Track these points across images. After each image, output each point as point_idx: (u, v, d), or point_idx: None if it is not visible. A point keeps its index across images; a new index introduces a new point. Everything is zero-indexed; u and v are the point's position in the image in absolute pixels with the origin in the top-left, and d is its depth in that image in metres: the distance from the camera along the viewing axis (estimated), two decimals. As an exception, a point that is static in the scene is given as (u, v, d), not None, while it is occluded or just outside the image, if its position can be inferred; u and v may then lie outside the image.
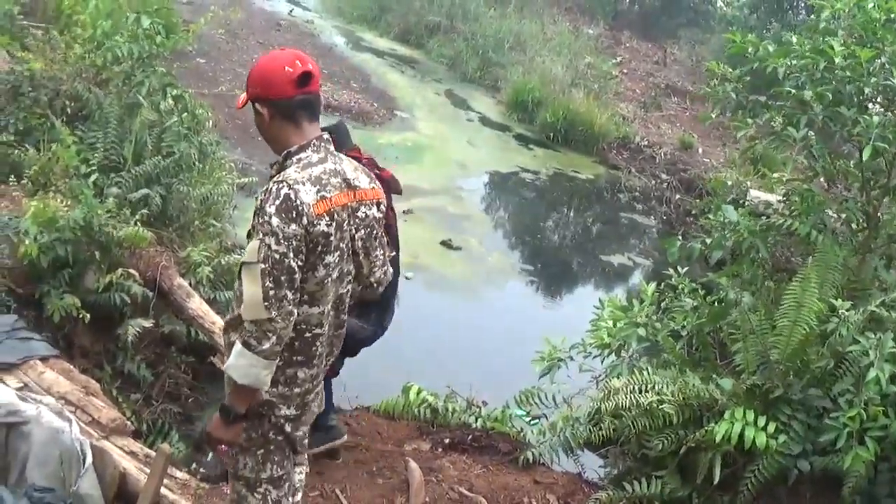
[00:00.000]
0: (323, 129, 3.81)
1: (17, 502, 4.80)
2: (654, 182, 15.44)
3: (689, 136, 17.35)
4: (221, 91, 11.71)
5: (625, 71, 20.88)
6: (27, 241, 5.88)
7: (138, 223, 6.75)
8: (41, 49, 8.20)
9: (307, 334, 3.26)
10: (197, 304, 6.71)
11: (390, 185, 4.76)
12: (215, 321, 6.61)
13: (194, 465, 5.95)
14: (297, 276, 3.01)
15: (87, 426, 5.27)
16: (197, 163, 8.22)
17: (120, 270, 6.36)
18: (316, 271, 3.11)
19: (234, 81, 12.97)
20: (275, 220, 2.94)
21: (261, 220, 2.97)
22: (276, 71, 3.07)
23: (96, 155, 7.52)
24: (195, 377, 6.90)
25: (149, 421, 6.32)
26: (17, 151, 7.27)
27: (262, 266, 2.94)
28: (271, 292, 2.94)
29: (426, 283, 10.19)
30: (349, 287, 3.42)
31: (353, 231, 3.25)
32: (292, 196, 2.96)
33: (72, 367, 5.76)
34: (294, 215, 2.95)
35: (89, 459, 5.00)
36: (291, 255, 2.96)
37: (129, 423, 5.64)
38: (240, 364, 3.06)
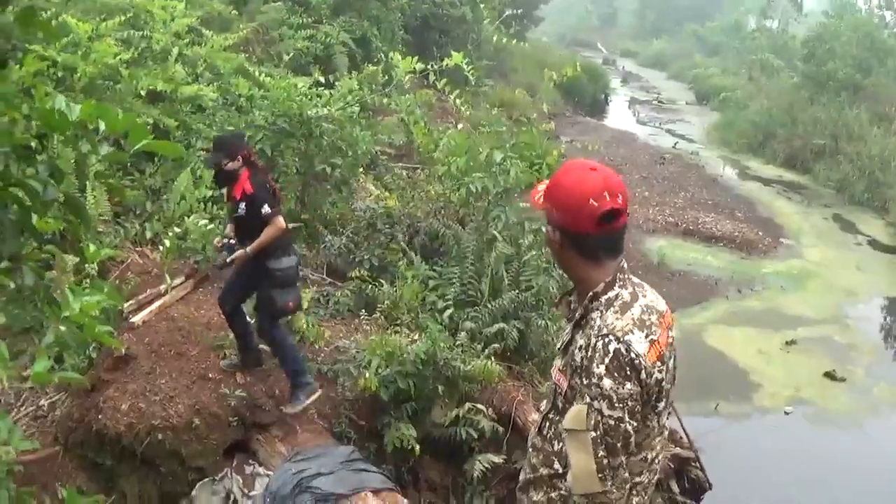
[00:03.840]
0: (225, 139, 4.67)
1: None
2: None
3: None
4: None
5: None
6: (367, 375, 5.93)
7: (490, 357, 6.67)
8: (400, 188, 8.55)
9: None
10: (554, 442, 6.38)
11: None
12: (574, 460, 6.27)
13: None
14: (632, 439, 2.57)
15: (418, 561, 5.10)
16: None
17: (468, 405, 6.29)
18: (649, 421, 2.67)
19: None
20: (606, 382, 2.50)
21: (587, 382, 2.55)
22: (580, 203, 2.54)
23: (453, 290, 7.63)
24: (549, 516, 6.52)
25: (493, 560, 6.04)
26: (371, 286, 7.55)
27: (593, 434, 2.52)
28: (605, 461, 2.53)
29: (807, 418, 9.38)
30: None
31: (671, 363, 2.75)
32: (624, 350, 2.52)
33: (405, 500, 5.65)
34: (628, 372, 2.51)
35: None
36: (627, 418, 2.53)
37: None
38: None
